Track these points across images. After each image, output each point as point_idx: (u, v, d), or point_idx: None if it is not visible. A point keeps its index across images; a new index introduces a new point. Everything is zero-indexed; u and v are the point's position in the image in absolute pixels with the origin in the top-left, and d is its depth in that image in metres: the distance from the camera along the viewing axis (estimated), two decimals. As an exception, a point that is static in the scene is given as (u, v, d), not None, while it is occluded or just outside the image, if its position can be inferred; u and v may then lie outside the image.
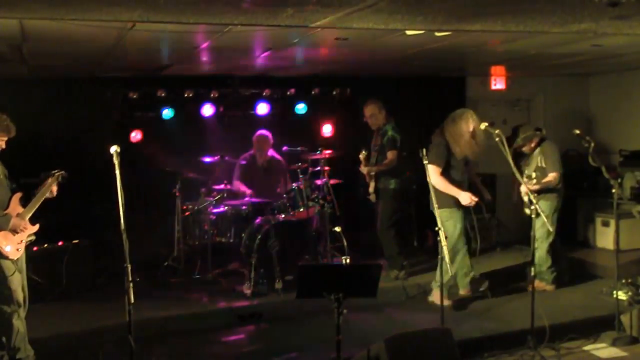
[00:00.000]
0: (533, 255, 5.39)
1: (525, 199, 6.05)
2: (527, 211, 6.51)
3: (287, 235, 6.83)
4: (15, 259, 4.80)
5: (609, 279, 6.75)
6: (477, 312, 6.17)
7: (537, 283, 6.56)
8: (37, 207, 4.99)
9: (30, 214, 4.97)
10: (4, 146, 4.85)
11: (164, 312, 6.18)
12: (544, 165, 6.52)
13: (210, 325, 6.02)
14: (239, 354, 5.39)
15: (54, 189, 5.05)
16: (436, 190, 5.54)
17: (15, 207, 4.92)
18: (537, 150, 6.65)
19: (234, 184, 7.64)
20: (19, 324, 4.77)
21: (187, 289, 6.98)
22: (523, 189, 5.83)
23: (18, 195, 4.98)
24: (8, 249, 4.74)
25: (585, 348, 5.40)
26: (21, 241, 4.88)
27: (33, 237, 5.04)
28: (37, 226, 5.03)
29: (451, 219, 6.08)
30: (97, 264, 7.13)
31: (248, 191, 7.52)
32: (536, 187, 6.15)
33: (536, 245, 6.56)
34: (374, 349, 4.54)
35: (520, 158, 6.77)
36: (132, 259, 4.08)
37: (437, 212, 5.17)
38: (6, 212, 4.82)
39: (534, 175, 6.21)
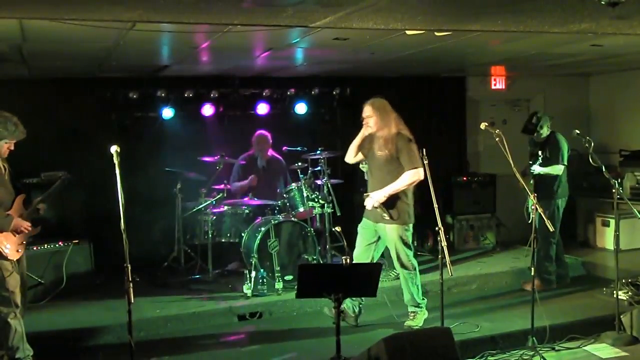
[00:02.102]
0: (533, 255, 5.38)
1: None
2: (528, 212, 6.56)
3: (287, 235, 6.83)
4: (15, 259, 4.79)
5: (609, 279, 6.75)
6: (477, 312, 6.16)
7: (536, 283, 6.58)
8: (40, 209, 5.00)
9: (32, 216, 4.95)
10: (12, 148, 4.84)
11: (164, 312, 6.17)
12: (548, 156, 6.58)
13: (210, 325, 6.02)
14: (239, 354, 5.39)
15: (44, 206, 5.06)
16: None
17: (18, 208, 4.90)
18: (547, 142, 6.72)
19: (233, 186, 7.63)
20: (16, 323, 4.75)
21: (187, 289, 6.98)
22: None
23: (22, 196, 4.97)
24: (7, 250, 4.73)
25: (585, 348, 5.40)
26: (22, 242, 4.86)
27: (30, 239, 5.05)
28: (38, 228, 5.01)
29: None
30: (97, 264, 7.12)
31: (246, 182, 7.48)
32: (539, 170, 6.30)
33: (538, 246, 6.59)
34: (374, 349, 4.54)
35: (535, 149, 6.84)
36: (132, 259, 4.08)
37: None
38: (8, 212, 4.80)
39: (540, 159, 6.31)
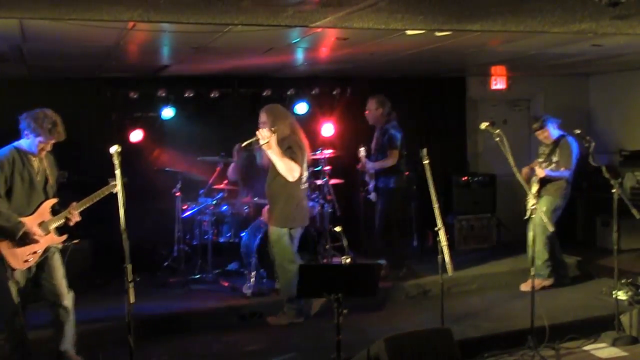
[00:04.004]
0: (533, 255, 5.39)
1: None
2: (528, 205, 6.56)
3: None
4: (21, 269, 4.61)
5: (609, 279, 6.75)
6: (477, 312, 6.16)
7: (534, 280, 6.58)
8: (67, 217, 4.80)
9: (57, 224, 4.77)
10: (48, 149, 4.71)
11: (164, 312, 6.18)
12: (557, 159, 6.57)
13: (210, 325, 6.02)
14: (239, 353, 5.39)
15: (75, 215, 4.81)
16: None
17: (42, 214, 4.69)
18: (557, 144, 6.69)
19: (230, 175, 7.46)
20: (17, 326, 4.70)
21: (187, 289, 6.98)
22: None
23: (51, 201, 4.76)
24: (12, 259, 4.55)
25: (585, 348, 5.41)
26: (34, 252, 4.62)
27: (60, 246, 4.88)
28: (62, 237, 4.83)
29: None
30: (97, 264, 7.12)
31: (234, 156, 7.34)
32: (542, 172, 6.31)
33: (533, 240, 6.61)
34: (374, 349, 4.54)
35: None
36: (132, 259, 4.08)
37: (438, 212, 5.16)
38: (21, 220, 4.55)
39: (542, 160, 6.37)
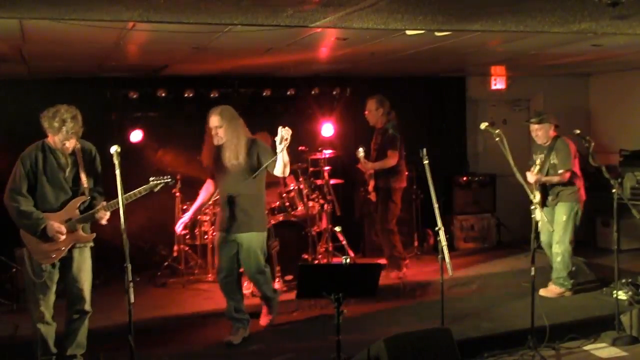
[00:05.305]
0: (533, 255, 5.37)
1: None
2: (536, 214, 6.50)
3: (287, 235, 6.83)
4: (46, 265, 4.60)
5: (609, 279, 6.75)
6: (477, 312, 6.16)
7: (556, 289, 6.56)
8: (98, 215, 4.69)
9: (85, 222, 4.72)
10: (68, 146, 4.61)
11: (164, 312, 6.18)
12: (555, 162, 6.47)
13: (210, 324, 6.01)
14: (239, 354, 5.39)
15: (105, 215, 4.68)
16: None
17: (69, 210, 4.64)
18: (552, 148, 6.54)
19: None
20: (42, 326, 4.71)
21: (187, 289, 6.98)
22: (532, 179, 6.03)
23: (80, 199, 4.69)
24: (37, 255, 4.57)
25: (585, 348, 5.41)
26: (58, 248, 4.60)
27: (91, 244, 4.83)
28: (90, 235, 4.78)
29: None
30: (97, 264, 7.11)
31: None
32: (543, 178, 6.24)
33: (557, 250, 6.52)
34: (374, 349, 4.55)
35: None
36: (132, 259, 4.08)
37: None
38: (46, 215, 4.54)
39: (538, 162, 6.31)
